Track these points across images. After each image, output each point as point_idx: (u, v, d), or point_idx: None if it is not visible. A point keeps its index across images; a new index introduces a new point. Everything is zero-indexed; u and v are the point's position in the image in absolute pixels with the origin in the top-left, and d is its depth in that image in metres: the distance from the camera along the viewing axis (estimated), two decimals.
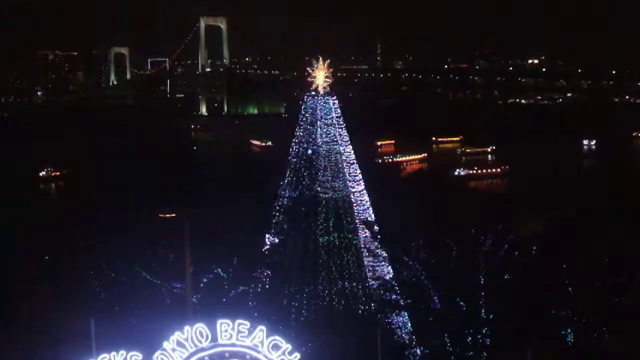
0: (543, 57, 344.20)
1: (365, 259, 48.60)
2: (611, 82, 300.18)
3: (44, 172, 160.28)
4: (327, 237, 48.36)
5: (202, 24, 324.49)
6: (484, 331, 40.08)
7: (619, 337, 38.10)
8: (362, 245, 48.71)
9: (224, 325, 26.29)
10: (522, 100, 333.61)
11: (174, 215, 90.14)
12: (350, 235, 48.76)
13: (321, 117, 49.87)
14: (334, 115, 50.18)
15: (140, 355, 26.77)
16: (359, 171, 50.47)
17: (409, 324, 45.46)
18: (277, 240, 49.09)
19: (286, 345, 26.36)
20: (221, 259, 43.61)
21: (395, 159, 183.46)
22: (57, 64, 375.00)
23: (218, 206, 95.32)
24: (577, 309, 39.27)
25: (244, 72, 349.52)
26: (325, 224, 48.45)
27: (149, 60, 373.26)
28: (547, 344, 37.37)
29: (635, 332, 37.68)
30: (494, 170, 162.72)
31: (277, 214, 50.22)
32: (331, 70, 50.35)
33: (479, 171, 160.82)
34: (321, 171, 49.18)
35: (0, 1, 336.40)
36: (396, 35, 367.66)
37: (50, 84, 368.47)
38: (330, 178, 49.09)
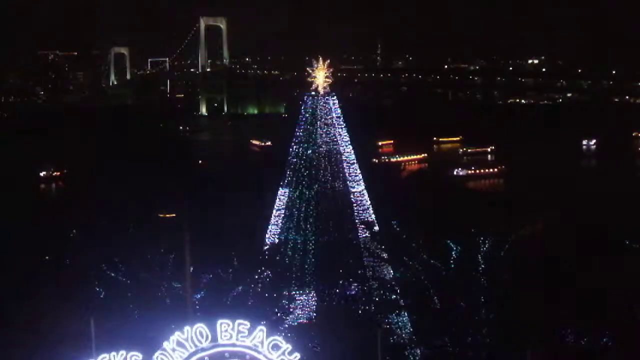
0: (543, 57, 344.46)
1: (365, 259, 48.60)
2: (611, 82, 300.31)
3: (44, 172, 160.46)
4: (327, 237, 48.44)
5: (202, 24, 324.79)
6: (484, 331, 40.07)
7: (619, 337, 38.09)
8: (362, 245, 48.71)
9: (224, 325, 26.30)
10: (522, 100, 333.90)
11: (174, 215, 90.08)
12: (350, 235, 48.82)
13: (321, 117, 49.89)
14: (334, 115, 50.19)
15: (140, 355, 26.77)
16: (359, 171, 50.50)
17: (409, 324, 45.46)
18: (277, 240, 49.09)
19: (286, 345, 26.37)
20: (221, 259, 43.57)
21: (392, 159, 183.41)
22: (57, 64, 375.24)
23: (218, 206, 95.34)
24: (577, 309, 39.26)
25: (244, 72, 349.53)
26: (325, 224, 48.52)
27: (149, 60, 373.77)
28: (547, 344, 37.37)
29: (635, 331, 37.69)
30: (492, 170, 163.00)
31: (277, 213, 50.25)
32: (331, 70, 50.37)
33: (477, 171, 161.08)
34: (321, 171, 49.20)
35: (0, 1, 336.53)
36: (396, 35, 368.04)
37: (50, 84, 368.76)
38: (330, 178, 49.11)
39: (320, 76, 49.86)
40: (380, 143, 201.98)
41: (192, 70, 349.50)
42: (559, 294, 39.83)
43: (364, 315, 46.54)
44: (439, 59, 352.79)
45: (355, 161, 50.51)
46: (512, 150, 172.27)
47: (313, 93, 50.05)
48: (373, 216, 50.17)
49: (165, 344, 26.41)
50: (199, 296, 40.72)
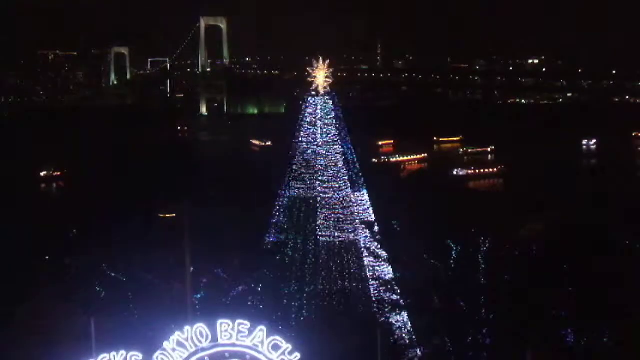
0: (543, 57, 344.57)
1: (365, 259, 48.60)
2: (611, 82, 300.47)
3: (44, 172, 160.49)
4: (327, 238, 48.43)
5: (202, 24, 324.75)
6: (484, 331, 40.05)
7: (619, 337, 38.09)
8: (362, 245, 48.71)
9: (224, 325, 26.28)
10: (522, 100, 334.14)
11: (174, 215, 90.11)
12: (350, 235, 48.80)
13: (321, 117, 49.89)
14: (334, 115, 50.19)
15: (140, 355, 26.75)
16: (359, 171, 50.49)
17: (409, 324, 45.44)
18: (277, 240, 49.08)
19: (286, 345, 26.36)
20: (221, 259, 43.58)
21: (393, 159, 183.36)
22: (57, 64, 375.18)
23: (218, 206, 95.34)
24: (577, 309, 39.26)
25: (244, 72, 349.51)
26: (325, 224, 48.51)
27: (149, 60, 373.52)
28: (547, 344, 37.36)
29: (635, 331, 37.68)
30: (492, 169, 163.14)
31: (277, 213, 50.24)
32: (331, 70, 50.36)
33: (477, 171, 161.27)
34: (321, 171, 49.21)
35: (0, 1, 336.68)
36: (396, 35, 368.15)
37: (50, 84, 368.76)
38: (330, 178, 49.10)
39: (320, 76, 49.83)
40: (380, 143, 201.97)
41: (192, 70, 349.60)
42: (559, 294, 39.83)
43: (364, 315, 46.52)
44: (439, 59, 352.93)
45: (355, 161, 50.51)
46: (512, 150, 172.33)
47: (313, 93, 50.05)
48: (373, 216, 50.17)
49: (165, 344, 26.40)
50: (199, 296, 40.72)
